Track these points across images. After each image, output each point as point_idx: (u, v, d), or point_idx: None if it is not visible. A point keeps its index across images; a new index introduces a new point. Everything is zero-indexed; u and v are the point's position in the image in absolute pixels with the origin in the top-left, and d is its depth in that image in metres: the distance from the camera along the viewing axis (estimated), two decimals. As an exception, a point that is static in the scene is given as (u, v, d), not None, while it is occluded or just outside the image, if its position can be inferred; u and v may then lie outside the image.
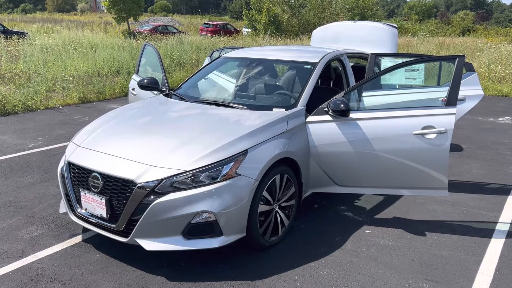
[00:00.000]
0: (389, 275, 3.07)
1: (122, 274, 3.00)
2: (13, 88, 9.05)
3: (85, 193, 3.12)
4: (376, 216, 4.02)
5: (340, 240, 3.55)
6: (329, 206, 4.21)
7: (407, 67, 4.08)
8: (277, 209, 3.37)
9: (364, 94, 3.93)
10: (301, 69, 4.47)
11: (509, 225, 3.88)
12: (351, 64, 5.01)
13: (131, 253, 3.22)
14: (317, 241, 3.52)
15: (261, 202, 3.16)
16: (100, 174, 3.03)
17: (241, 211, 3.01)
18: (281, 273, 3.06)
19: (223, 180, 2.94)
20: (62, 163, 3.43)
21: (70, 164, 3.28)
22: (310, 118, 3.68)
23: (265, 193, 3.19)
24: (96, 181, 3.04)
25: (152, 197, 2.86)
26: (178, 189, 2.87)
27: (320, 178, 3.75)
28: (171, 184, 2.87)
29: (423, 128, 3.44)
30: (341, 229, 3.73)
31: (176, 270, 3.07)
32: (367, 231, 3.71)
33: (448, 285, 2.96)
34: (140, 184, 2.87)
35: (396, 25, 5.77)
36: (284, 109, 3.67)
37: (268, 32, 25.72)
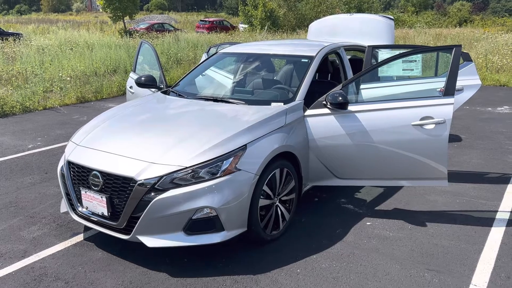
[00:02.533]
0: (390, 266, 3.08)
1: (125, 272, 3.01)
2: (11, 89, 9.02)
3: (85, 192, 3.13)
4: (376, 208, 4.03)
5: (341, 232, 3.56)
6: (329, 199, 4.22)
7: (404, 59, 4.07)
8: (277, 203, 3.38)
9: (362, 86, 3.93)
10: (298, 63, 4.47)
11: (509, 213, 3.90)
12: (348, 56, 5.01)
13: (133, 251, 3.23)
14: (318, 234, 3.53)
15: (261, 197, 3.17)
16: (100, 172, 3.03)
17: (242, 206, 3.01)
18: (283, 266, 3.07)
19: (223, 176, 2.94)
20: (61, 163, 3.43)
21: (69, 163, 3.29)
22: (309, 112, 3.68)
23: (265, 188, 3.20)
24: (96, 180, 3.04)
25: (152, 194, 2.86)
26: (178, 186, 2.88)
27: (319, 171, 3.75)
28: (171, 180, 2.88)
29: (422, 119, 3.44)
30: (341, 222, 3.74)
31: (179, 266, 3.08)
32: (367, 223, 3.72)
33: (450, 274, 2.97)
34: (140, 181, 2.87)
35: (392, 17, 5.76)
36: (282, 103, 3.67)
37: (265, 28, 25.66)
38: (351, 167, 3.71)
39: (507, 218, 3.81)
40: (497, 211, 3.95)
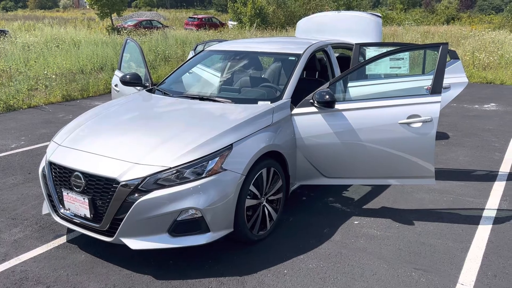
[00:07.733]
0: (378, 265, 3.06)
1: (108, 274, 2.95)
2: (-6, 87, 8.85)
3: (67, 193, 3.05)
4: (364, 207, 4.01)
5: (328, 232, 3.54)
6: (317, 198, 4.19)
7: (391, 56, 4.06)
8: (264, 203, 3.34)
9: (349, 84, 3.90)
10: (285, 61, 4.43)
11: (495, 211, 3.91)
12: (336, 54, 4.98)
13: (117, 253, 3.17)
14: (306, 234, 3.50)
15: (248, 197, 3.12)
16: (82, 173, 2.96)
17: (228, 206, 2.97)
18: (270, 267, 3.03)
19: (209, 176, 2.89)
20: (43, 163, 3.35)
21: (51, 164, 3.20)
22: (296, 110, 3.64)
23: (252, 188, 3.15)
24: (78, 181, 2.97)
25: (136, 195, 2.80)
26: (162, 186, 2.82)
27: (307, 170, 3.72)
28: (155, 181, 2.82)
29: (409, 117, 3.42)
30: (329, 221, 3.72)
31: (163, 268, 3.02)
32: (355, 222, 3.70)
33: (437, 273, 2.96)
34: (123, 182, 2.81)
35: (380, 15, 5.75)
36: (269, 102, 3.63)
37: (254, 25, 25.59)
38: (339, 166, 3.68)
39: (494, 216, 3.82)
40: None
